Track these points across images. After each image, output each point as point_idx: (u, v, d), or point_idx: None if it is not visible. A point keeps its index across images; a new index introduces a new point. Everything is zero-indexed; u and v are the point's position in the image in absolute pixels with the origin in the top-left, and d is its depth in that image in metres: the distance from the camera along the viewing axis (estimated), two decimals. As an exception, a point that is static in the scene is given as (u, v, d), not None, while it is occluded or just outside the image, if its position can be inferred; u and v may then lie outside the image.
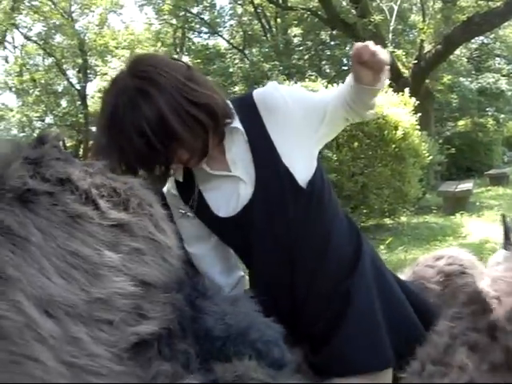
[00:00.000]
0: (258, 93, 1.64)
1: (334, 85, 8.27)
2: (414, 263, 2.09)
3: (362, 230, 6.54)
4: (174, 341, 1.06)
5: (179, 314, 1.11)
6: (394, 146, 7.71)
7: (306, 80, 8.93)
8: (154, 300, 1.05)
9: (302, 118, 1.61)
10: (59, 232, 0.98)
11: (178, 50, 22.76)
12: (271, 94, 1.61)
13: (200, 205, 1.63)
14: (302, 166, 1.61)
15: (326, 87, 8.07)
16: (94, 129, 22.77)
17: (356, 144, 7.51)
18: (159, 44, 22.35)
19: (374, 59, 1.46)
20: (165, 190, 1.71)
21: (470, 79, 21.24)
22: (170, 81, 1.43)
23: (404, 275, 2.01)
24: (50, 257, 0.94)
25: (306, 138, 1.63)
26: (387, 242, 6.77)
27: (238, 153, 1.59)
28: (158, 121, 1.40)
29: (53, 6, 19.68)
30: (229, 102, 1.61)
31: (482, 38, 20.42)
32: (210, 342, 1.14)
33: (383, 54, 1.48)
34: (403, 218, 9.01)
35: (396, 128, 7.71)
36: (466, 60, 21.57)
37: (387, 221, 8.83)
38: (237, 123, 1.58)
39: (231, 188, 1.60)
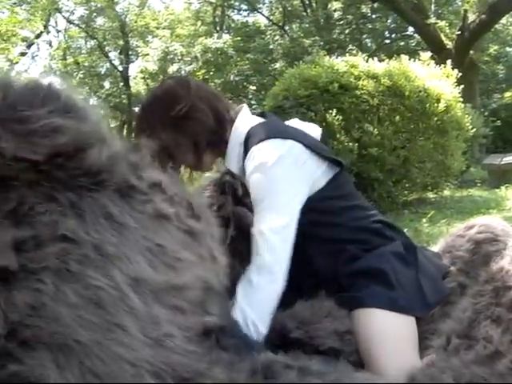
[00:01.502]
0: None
1: (375, 59, 8.22)
2: (447, 234, 2.09)
3: (404, 204, 6.52)
4: (227, 336, 1.20)
5: (228, 315, 1.28)
6: (436, 118, 7.59)
7: (347, 54, 8.86)
8: (213, 299, 1.20)
9: None
10: (148, 226, 1.12)
11: (217, 28, 22.77)
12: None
13: None
14: None
15: (367, 61, 8.01)
16: (136, 109, 23.16)
17: (397, 118, 7.42)
18: (199, 23, 22.40)
19: None
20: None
21: (517, 49, 20.61)
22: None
23: (437, 246, 2.04)
24: (140, 244, 1.07)
25: None
26: (429, 215, 6.72)
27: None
28: None
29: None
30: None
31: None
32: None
33: None
34: (446, 192, 8.90)
35: (438, 101, 7.58)
36: (513, 29, 20.88)
37: (430, 194, 8.74)
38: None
39: None
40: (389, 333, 1.58)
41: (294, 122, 2.02)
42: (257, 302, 1.58)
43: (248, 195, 1.96)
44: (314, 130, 2.00)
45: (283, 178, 1.66)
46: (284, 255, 1.62)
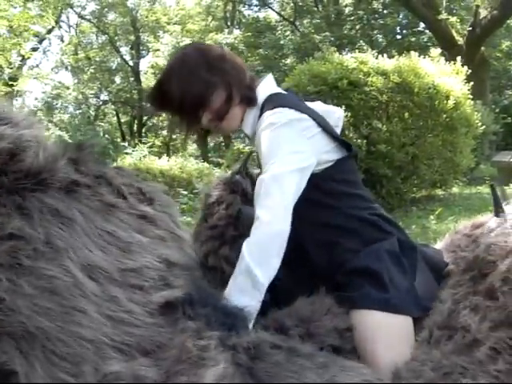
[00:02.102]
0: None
1: (385, 55, 8.22)
2: (452, 230, 2.11)
3: (413, 201, 6.51)
4: (195, 306, 1.20)
5: (197, 288, 1.26)
6: (445, 115, 7.61)
7: (357, 50, 8.87)
8: (176, 274, 1.22)
9: None
10: (97, 217, 1.16)
11: (228, 23, 22.79)
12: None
13: None
14: None
15: (377, 58, 8.02)
16: (148, 105, 23.16)
17: (406, 114, 7.44)
18: (210, 18, 22.44)
19: None
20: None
21: (529, 45, 20.45)
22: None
23: (441, 243, 2.04)
24: (90, 234, 1.12)
25: None
26: (437, 212, 6.73)
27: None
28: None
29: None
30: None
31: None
32: (224, 315, 1.29)
33: None
34: (455, 189, 8.91)
35: (447, 97, 7.59)
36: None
37: (438, 191, 8.76)
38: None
39: None
40: (383, 333, 1.60)
41: (317, 104, 2.06)
42: (255, 244, 1.61)
43: None
44: (337, 112, 2.06)
45: (289, 137, 1.70)
46: (282, 201, 1.64)
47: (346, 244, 1.76)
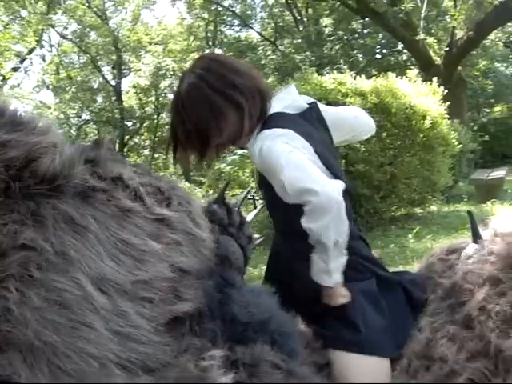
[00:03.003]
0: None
1: (363, 76, 8.34)
2: (429, 253, 2.06)
3: (391, 220, 6.52)
4: (203, 320, 1.21)
5: (209, 298, 1.26)
6: (422, 135, 7.73)
7: (335, 72, 8.98)
8: (188, 284, 1.22)
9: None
10: (112, 223, 1.16)
11: (210, 43, 22.91)
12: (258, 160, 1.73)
13: None
14: None
15: (355, 78, 8.13)
16: (129, 124, 23.24)
17: (384, 134, 7.54)
18: (192, 38, 22.55)
19: None
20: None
21: (505, 64, 20.81)
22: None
23: (419, 265, 2.02)
24: (104, 243, 1.11)
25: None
26: (415, 230, 6.82)
27: None
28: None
29: (87, 5, 20.03)
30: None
31: (517, 21, 19.95)
32: (234, 326, 1.28)
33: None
34: (433, 207, 9.00)
35: (424, 117, 7.72)
36: (502, 44, 21.07)
37: (417, 210, 8.84)
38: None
39: None
40: (357, 372, 1.61)
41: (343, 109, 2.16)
42: (322, 226, 1.56)
43: (233, 224, 2.02)
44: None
45: (282, 147, 1.65)
46: (314, 176, 1.59)
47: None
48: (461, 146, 8.98)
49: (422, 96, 8.08)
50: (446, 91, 8.84)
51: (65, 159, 1.15)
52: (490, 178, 10.18)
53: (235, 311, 1.30)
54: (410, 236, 6.67)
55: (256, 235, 2.51)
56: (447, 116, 8.44)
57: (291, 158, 1.62)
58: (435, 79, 8.86)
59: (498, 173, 10.85)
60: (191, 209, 1.37)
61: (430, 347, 1.46)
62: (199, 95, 1.72)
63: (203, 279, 1.28)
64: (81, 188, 1.15)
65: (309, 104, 1.89)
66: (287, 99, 1.85)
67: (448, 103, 8.52)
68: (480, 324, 1.39)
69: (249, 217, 2.46)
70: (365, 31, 21.45)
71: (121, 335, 1.03)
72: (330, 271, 1.61)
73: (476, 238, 1.63)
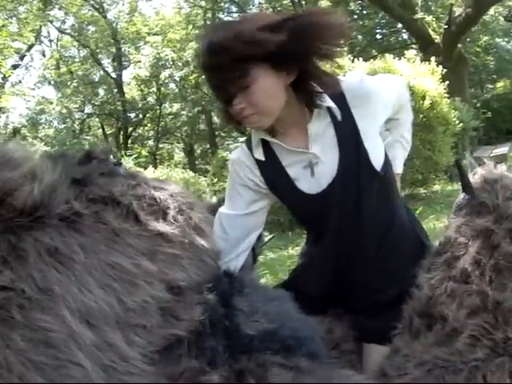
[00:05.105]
0: (345, 82, 1.68)
1: (360, 59, 8.33)
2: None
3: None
4: (202, 338, 1.15)
5: (211, 312, 1.19)
6: (421, 116, 7.73)
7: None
8: (186, 302, 1.16)
9: (381, 110, 1.72)
10: (101, 247, 1.09)
11: (208, 31, 22.80)
12: (359, 84, 1.68)
13: (282, 179, 1.72)
14: (377, 151, 1.70)
15: (352, 61, 8.13)
16: (132, 115, 23.27)
17: (384, 116, 7.53)
18: (190, 27, 22.46)
19: None
20: (234, 156, 1.79)
21: (506, 39, 20.66)
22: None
23: None
24: (92, 271, 1.05)
25: (379, 127, 1.74)
26: (418, 211, 6.83)
27: (320, 130, 1.67)
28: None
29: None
30: None
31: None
32: (238, 338, 1.21)
33: None
34: (436, 187, 9.02)
35: (423, 98, 7.72)
36: (502, 19, 20.89)
37: (420, 190, 8.87)
38: (331, 103, 1.64)
39: (304, 164, 1.69)
40: None
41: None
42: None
43: None
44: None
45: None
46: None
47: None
48: (462, 124, 8.96)
49: (421, 76, 8.06)
50: (446, 70, 8.81)
51: (44, 188, 1.08)
52: (492, 155, 10.16)
53: (240, 321, 1.23)
54: (413, 217, 6.68)
55: (266, 233, 2.52)
56: (447, 95, 8.43)
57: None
58: (433, 58, 8.84)
59: (501, 149, 10.82)
60: (192, 215, 1.31)
61: (430, 305, 1.43)
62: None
63: (205, 292, 1.23)
64: (65, 215, 1.09)
65: None
66: None
67: (447, 82, 8.49)
68: (476, 278, 1.37)
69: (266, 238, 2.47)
70: (364, 12, 21.32)
71: (110, 370, 0.99)
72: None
73: (466, 187, 1.56)
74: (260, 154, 1.72)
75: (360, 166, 1.64)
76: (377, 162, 1.67)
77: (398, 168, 1.78)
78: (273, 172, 1.72)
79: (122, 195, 1.21)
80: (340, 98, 1.65)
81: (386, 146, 1.76)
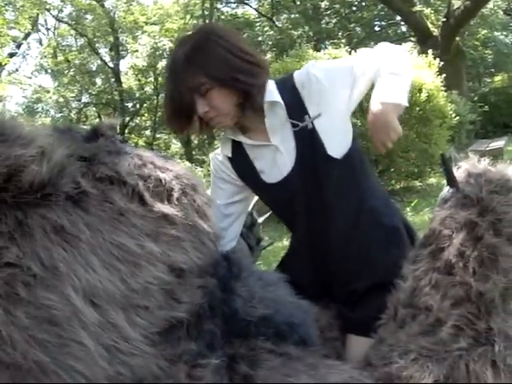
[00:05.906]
0: (296, 73, 1.76)
1: (358, 51, 8.30)
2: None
3: (390, 193, 6.51)
4: (202, 321, 1.19)
5: (210, 296, 1.23)
6: (418, 108, 7.71)
7: (329, 47, 8.94)
8: (187, 285, 1.19)
9: (334, 93, 1.72)
10: (106, 226, 1.11)
11: (207, 20, 22.71)
12: (307, 72, 1.72)
13: (249, 171, 1.82)
14: (339, 140, 1.74)
15: (350, 53, 8.09)
16: (129, 105, 23.20)
17: (381, 108, 7.50)
18: (188, 16, 22.35)
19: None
20: (212, 153, 1.94)
21: (505, 33, 20.61)
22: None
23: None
24: (97, 250, 1.06)
25: (339, 112, 1.75)
26: (413, 203, 6.85)
27: (277, 124, 1.73)
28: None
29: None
30: (271, 81, 1.76)
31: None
32: (235, 322, 1.26)
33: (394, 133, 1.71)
34: (432, 180, 9.03)
35: (420, 91, 7.69)
36: (501, 13, 20.81)
37: (416, 183, 8.87)
38: (277, 97, 1.71)
39: (270, 156, 1.76)
40: None
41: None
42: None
43: (244, 225, 2.05)
44: None
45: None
46: None
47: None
48: (458, 117, 8.96)
49: (418, 69, 8.04)
50: (444, 63, 8.80)
51: (53, 166, 1.08)
52: (489, 148, 10.16)
53: (237, 306, 1.27)
54: (408, 209, 6.70)
55: (266, 238, 2.55)
56: (444, 88, 8.42)
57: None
58: (430, 51, 8.82)
59: (498, 143, 10.83)
60: (196, 197, 1.32)
61: (414, 296, 1.46)
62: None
63: (205, 276, 1.25)
64: (72, 193, 1.10)
65: None
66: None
67: (444, 75, 8.48)
68: (460, 270, 1.40)
69: (260, 219, 2.52)
70: (363, 3, 21.24)
71: (112, 349, 1.00)
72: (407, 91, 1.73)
73: (451, 181, 1.58)
74: (228, 151, 1.84)
75: (316, 157, 1.70)
76: (336, 151, 1.71)
77: (398, 98, 1.71)
78: (241, 166, 1.83)
79: (129, 175, 1.22)
80: (293, 92, 1.73)
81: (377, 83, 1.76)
